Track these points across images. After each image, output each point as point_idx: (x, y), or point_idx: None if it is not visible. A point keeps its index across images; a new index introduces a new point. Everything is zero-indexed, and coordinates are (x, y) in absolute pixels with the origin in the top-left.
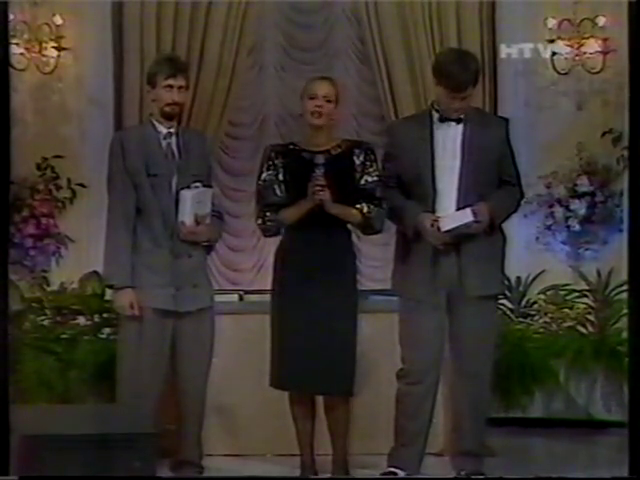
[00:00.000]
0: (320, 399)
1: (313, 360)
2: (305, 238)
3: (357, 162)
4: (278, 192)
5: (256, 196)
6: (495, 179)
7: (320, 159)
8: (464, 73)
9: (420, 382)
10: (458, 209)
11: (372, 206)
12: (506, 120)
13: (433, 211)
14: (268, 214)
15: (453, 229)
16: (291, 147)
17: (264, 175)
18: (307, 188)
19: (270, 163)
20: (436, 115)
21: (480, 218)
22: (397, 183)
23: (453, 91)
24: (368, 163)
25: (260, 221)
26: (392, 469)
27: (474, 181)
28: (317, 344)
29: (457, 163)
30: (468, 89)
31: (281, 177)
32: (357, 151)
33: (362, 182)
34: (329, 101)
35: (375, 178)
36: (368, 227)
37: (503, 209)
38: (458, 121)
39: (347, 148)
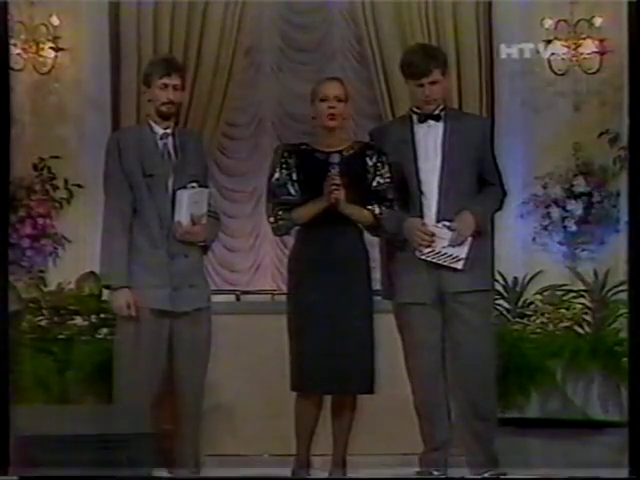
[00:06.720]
0: (327, 399)
1: (335, 361)
2: (318, 239)
3: (370, 164)
4: (292, 191)
5: (268, 195)
6: (475, 178)
7: (335, 158)
8: (424, 57)
9: (429, 387)
10: (440, 221)
11: (384, 208)
12: (487, 119)
13: (421, 214)
14: (280, 213)
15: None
16: (303, 147)
17: (277, 174)
18: (322, 187)
19: (283, 162)
20: (415, 117)
21: (461, 239)
22: None
23: (418, 77)
24: (380, 165)
25: (272, 219)
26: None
27: (455, 180)
28: (338, 345)
29: (438, 163)
30: (433, 73)
31: (295, 176)
32: (370, 153)
33: (374, 184)
34: (340, 101)
35: (387, 180)
36: (379, 228)
37: (487, 215)
38: (437, 118)
39: (360, 149)
